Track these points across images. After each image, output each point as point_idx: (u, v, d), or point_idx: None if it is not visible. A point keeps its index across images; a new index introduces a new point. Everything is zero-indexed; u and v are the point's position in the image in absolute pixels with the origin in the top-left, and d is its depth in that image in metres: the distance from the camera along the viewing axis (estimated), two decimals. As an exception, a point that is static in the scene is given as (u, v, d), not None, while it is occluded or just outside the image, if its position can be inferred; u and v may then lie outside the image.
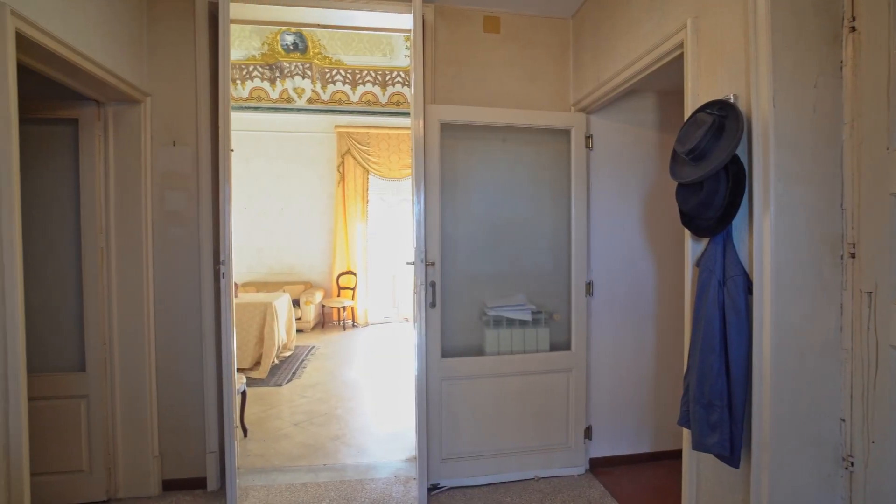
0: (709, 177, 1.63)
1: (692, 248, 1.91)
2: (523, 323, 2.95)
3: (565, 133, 3.01)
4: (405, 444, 3.49)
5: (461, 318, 2.94)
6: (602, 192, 3.04)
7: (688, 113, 1.91)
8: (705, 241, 1.82)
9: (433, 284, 2.68)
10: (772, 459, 1.51)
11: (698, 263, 1.80)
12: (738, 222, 1.66)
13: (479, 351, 2.95)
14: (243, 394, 3.53)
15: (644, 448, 3.14)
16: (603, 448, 3.09)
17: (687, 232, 1.92)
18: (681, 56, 2.03)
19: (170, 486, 2.76)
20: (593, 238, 3.03)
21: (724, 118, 1.63)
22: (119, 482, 2.68)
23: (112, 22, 2.42)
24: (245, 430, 3.56)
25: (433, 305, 2.70)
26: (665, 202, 3.09)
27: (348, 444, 3.50)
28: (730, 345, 1.60)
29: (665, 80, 2.78)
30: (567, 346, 3.04)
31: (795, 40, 1.54)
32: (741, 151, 1.63)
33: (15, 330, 1.73)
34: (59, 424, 2.60)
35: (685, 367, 1.88)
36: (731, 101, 1.65)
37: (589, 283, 3.01)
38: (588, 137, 2.99)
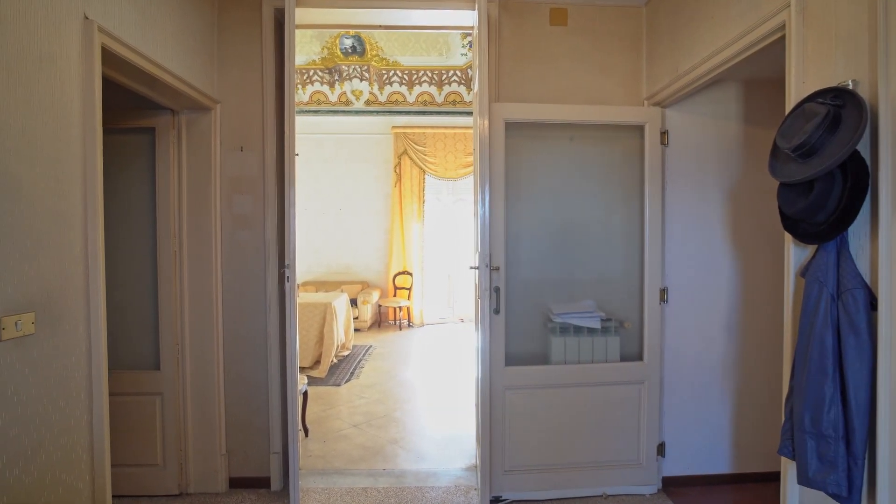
0: (821, 175, 1.43)
1: (794, 255, 1.70)
2: (591, 331, 2.78)
3: (638, 129, 2.82)
4: (463, 449, 3.42)
5: (525, 324, 2.82)
6: (678, 191, 2.82)
7: (790, 104, 1.70)
8: (812, 249, 1.61)
9: (497, 290, 2.58)
10: (907, 506, 1.30)
11: (803, 273, 1.59)
12: (857, 228, 1.45)
13: (544, 359, 2.81)
14: (305, 394, 3.58)
15: (723, 468, 2.89)
16: (677, 466, 2.87)
17: (788, 237, 1.71)
18: (780, 40, 1.81)
19: (236, 483, 2.83)
20: (668, 241, 2.82)
21: (839, 108, 1.43)
22: (190, 478, 2.77)
23: (186, 33, 2.49)
24: (306, 430, 3.61)
25: (497, 311, 2.60)
26: (750, 202, 2.82)
27: (406, 448, 3.47)
28: (847, 368, 1.40)
29: (752, 69, 2.52)
30: (638, 357, 2.84)
31: (936, 14, 1.31)
32: (862, 146, 1.41)
33: (98, 332, 1.79)
34: (137, 420, 2.72)
35: (786, 389, 1.67)
36: (850, 87, 1.44)
37: (663, 290, 2.80)
38: (663, 133, 2.79)
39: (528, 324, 2.83)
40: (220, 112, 2.82)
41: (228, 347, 2.84)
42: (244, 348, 2.86)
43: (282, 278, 2.76)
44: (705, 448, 2.85)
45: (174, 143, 2.74)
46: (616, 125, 2.81)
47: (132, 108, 2.70)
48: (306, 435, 3.61)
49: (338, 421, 3.96)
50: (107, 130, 2.72)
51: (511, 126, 2.71)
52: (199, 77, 2.62)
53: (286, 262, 2.50)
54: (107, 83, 2.23)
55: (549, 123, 2.79)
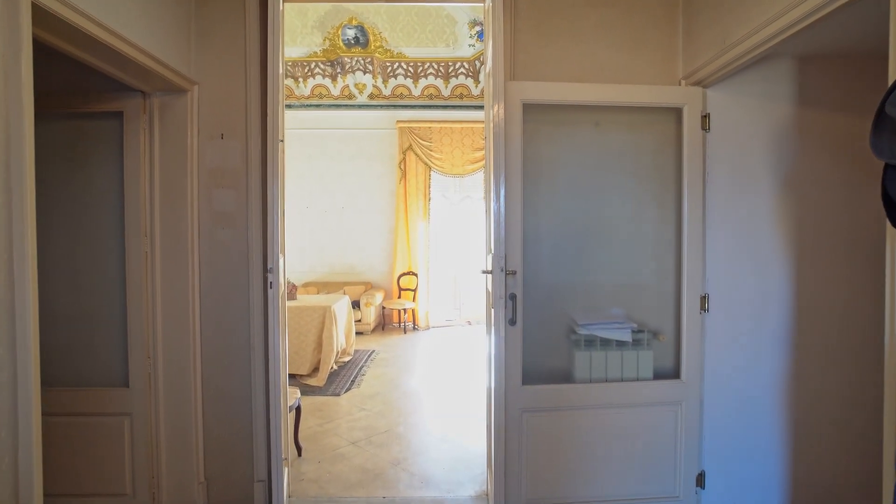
0: (958, 154, 1.06)
1: (901, 259, 1.33)
2: (621, 344, 2.43)
3: (674, 112, 2.46)
4: (473, 473, 3.07)
5: (545, 336, 2.46)
6: (721, 183, 2.45)
7: (896, 66, 1.33)
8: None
9: (513, 297, 2.23)
10: None
11: (920, 283, 1.22)
12: None
13: (567, 377, 2.46)
14: (297, 409, 3.24)
15: (775, 503, 2.52)
16: (720, 499, 2.50)
17: (892, 234, 1.34)
18: (873, -10, 1.45)
19: (216, 515, 2.51)
20: (709, 241, 2.45)
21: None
22: (163, 509, 2.44)
23: (157, 2, 2.15)
24: (299, 449, 3.28)
25: (513, 322, 2.24)
26: (807, 195, 2.44)
27: (410, 471, 3.12)
28: None
29: (811, 41, 2.17)
30: (674, 374, 2.48)
31: None
32: None
33: (27, 354, 1.45)
34: (103, 443, 2.40)
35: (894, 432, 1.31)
36: None
37: (704, 297, 2.44)
38: (704, 117, 2.42)
39: (548, 336, 2.48)
40: (198, 94, 2.49)
41: (208, 361, 2.52)
42: (226, 362, 2.53)
43: (267, 283, 2.42)
44: (754, 479, 2.48)
45: (145, 130, 2.41)
46: (649, 108, 2.45)
47: (96, 89, 2.37)
48: (299, 454, 3.28)
49: (335, 437, 3.62)
50: (67, 115, 2.42)
51: (529, 109, 2.36)
52: (173, 54, 2.28)
53: (269, 266, 2.17)
54: (64, 59, 1.92)
55: (572, 106, 2.43)
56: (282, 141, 2.24)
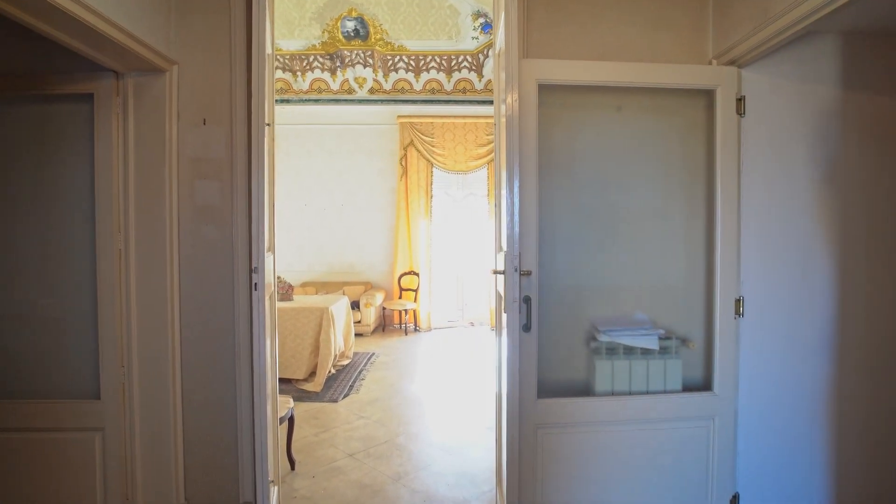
0: None
1: None
2: (646, 352, 2.19)
3: (705, 95, 2.22)
4: (481, 490, 2.84)
5: (562, 344, 2.22)
6: (757, 175, 2.20)
7: None
8: None
9: (528, 300, 1.99)
10: None
11: None
12: None
13: (587, 389, 2.22)
14: (291, 419, 3.01)
15: (813, 527, 2.28)
16: (753, 524, 2.26)
17: None
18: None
19: (198, 541, 2.27)
20: (744, 239, 2.21)
21: None
22: (138, 535, 2.21)
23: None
24: (292, 463, 3.04)
25: (527, 329, 2.00)
26: (854, 189, 2.20)
27: (412, 487, 2.89)
28: None
29: (864, 13, 1.92)
30: (705, 385, 2.25)
31: None
32: None
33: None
34: (71, 461, 2.16)
35: None
36: None
37: (738, 300, 2.19)
38: (739, 100, 2.18)
39: (566, 343, 2.23)
40: (178, 75, 2.25)
41: (188, 370, 2.28)
42: (208, 371, 2.29)
43: (252, 284, 2.18)
44: (794, 501, 2.24)
45: (118, 114, 2.17)
46: (677, 90, 2.21)
47: (63, 68, 2.13)
48: (292, 468, 3.04)
49: (332, 449, 3.38)
50: (31, 98, 2.17)
51: (545, 91, 2.11)
52: (149, 29, 2.04)
53: (254, 265, 1.93)
54: (25, 34, 1.69)
55: (592, 87, 2.19)
56: (269, 125, 2.01)
